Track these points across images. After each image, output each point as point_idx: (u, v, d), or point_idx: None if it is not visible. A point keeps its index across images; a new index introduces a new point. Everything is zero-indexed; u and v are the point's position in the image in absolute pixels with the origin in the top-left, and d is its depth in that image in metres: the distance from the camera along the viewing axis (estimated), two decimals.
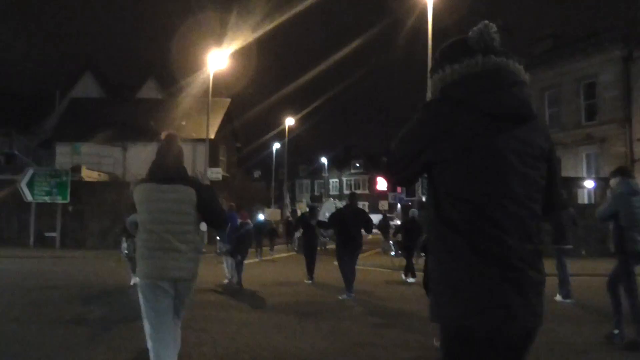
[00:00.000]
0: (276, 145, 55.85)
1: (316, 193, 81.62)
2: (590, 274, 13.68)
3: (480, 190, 1.96)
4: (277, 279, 14.58)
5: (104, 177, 28.25)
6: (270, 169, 59.58)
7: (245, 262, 13.28)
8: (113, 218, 25.18)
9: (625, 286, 6.40)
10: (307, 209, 18.12)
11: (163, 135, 4.47)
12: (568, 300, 9.75)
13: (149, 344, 4.03)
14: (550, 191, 2.13)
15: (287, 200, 56.15)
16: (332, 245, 19.42)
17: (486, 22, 2.13)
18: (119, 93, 35.55)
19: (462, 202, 1.97)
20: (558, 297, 9.86)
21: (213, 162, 29.79)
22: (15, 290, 11.01)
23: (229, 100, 32.63)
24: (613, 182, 6.78)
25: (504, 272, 1.90)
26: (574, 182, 28.40)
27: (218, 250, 14.30)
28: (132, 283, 11.22)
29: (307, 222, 15.10)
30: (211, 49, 27.92)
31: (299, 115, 49.90)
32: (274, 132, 45.45)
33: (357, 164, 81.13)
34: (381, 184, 76.79)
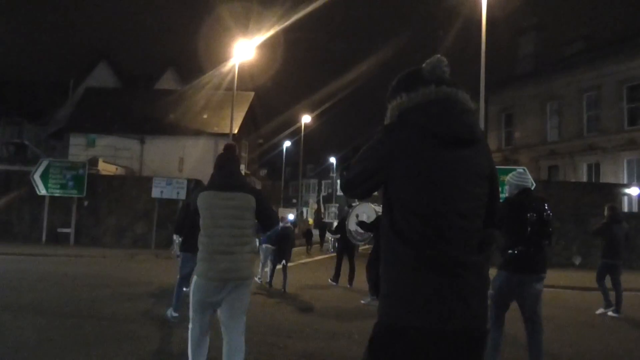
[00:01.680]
0: (287, 144, 54.28)
1: (323, 193, 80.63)
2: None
3: (429, 205, 2.16)
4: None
5: (120, 171, 26.73)
6: (275, 167, 57.93)
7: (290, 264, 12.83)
8: (132, 215, 23.70)
9: None
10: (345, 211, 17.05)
11: (223, 146, 4.79)
12: (617, 314, 9.59)
13: (190, 330, 4.41)
14: (492, 207, 2.37)
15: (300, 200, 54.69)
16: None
17: (439, 56, 2.41)
18: (135, 83, 34.01)
19: (412, 214, 2.17)
20: (610, 313, 9.71)
21: None
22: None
23: (252, 93, 31.08)
24: None
25: (445, 279, 2.10)
26: (617, 189, 26.83)
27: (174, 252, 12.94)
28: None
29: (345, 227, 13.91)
30: (235, 39, 26.35)
31: (314, 113, 48.23)
32: (290, 129, 43.76)
33: None
34: None
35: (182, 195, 22.19)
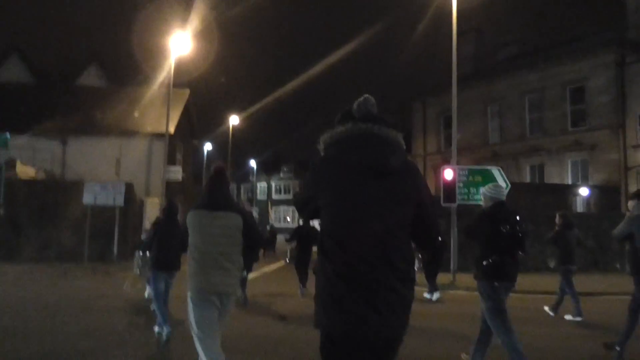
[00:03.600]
0: (207, 146, 51.61)
1: (242, 197, 78.55)
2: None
3: (346, 230, 2.49)
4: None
5: (40, 175, 23.48)
6: (196, 170, 54.75)
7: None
8: (58, 225, 20.69)
9: (633, 302, 6.58)
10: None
11: (213, 167, 5.05)
12: (579, 318, 9.61)
13: (199, 348, 4.53)
14: (423, 227, 2.65)
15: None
16: None
17: (366, 95, 2.76)
18: (52, 80, 30.44)
19: (331, 237, 2.52)
20: (568, 316, 9.74)
21: (170, 160, 25.70)
22: None
23: (187, 91, 28.56)
24: (631, 204, 6.90)
25: (360, 293, 2.41)
26: (568, 190, 26.70)
27: (138, 270, 11.89)
28: (146, 295, 10.76)
29: (304, 233, 13.66)
30: (168, 33, 23.91)
31: (244, 114, 45.90)
32: (216, 130, 41.19)
33: (286, 169, 78.86)
34: None
35: (120, 202, 19.50)
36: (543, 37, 34.48)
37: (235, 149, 45.90)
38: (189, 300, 4.59)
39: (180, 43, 24.04)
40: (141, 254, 10.87)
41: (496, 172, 17.69)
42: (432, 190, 20.98)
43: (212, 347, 4.50)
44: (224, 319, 4.71)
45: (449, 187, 15.48)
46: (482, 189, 6.20)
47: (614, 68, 27.45)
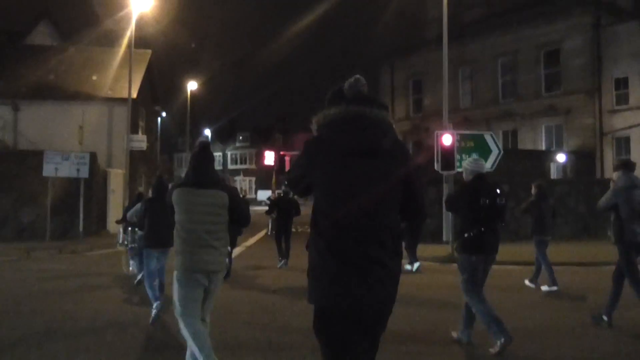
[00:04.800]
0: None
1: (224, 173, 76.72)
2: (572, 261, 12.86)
3: (336, 206, 2.60)
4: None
5: None
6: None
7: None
8: (14, 199, 18.92)
9: (628, 276, 6.66)
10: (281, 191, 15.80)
11: (197, 143, 4.96)
12: (554, 288, 9.52)
13: (181, 325, 4.53)
14: (411, 204, 2.78)
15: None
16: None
17: (357, 76, 2.88)
18: None
19: (325, 215, 2.63)
20: (544, 287, 9.64)
21: (133, 128, 23.91)
22: None
23: (149, 52, 26.50)
24: (615, 175, 7.01)
25: (351, 268, 2.54)
26: (545, 156, 26.37)
27: (125, 243, 11.38)
28: (130, 270, 10.84)
29: (284, 204, 13.84)
30: None
31: (200, 80, 43.87)
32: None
33: (242, 137, 77.00)
34: (268, 158, 73.63)
35: (84, 173, 17.85)
36: (503, 1, 33.43)
37: (190, 117, 43.37)
38: (174, 278, 4.61)
39: None
40: (129, 230, 10.55)
41: (488, 137, 16.99)
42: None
43: (193, 324, 4.51)
44: (212, 297, 4.73)
45: (448, 154, 14.58)
46: (463, 163, 6.30)
47: (590, 30, 26.99)
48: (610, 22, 26.89)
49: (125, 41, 24.11)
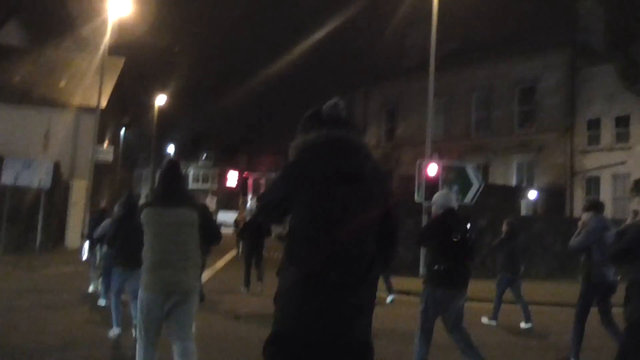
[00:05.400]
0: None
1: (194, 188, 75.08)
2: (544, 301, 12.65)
3: (314, 234, 2.51)
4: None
5: None
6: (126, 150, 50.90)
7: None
8: None
9: (578, 313, 6.80)
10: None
11: (166, 161, 5.20)
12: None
13: (137, 348, 4.49)
14: (387, 233, 2.70)
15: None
16: None
17: (337, 99, 2.80)
18: None
19: (299, 240, 2.55)
20: (522, 324, 9.67)
21: (100, 138, 22.92)
22: None
23: (122, 60, 25.55)
24: (585, 216, 7.05)
25: (324, 298, 2.43)
26: (516, 192, 26.39)
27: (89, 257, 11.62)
28: (90, 290, 10.82)
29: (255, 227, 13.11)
30: None
31: (169, 93, 42.77)
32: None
33: (206, 155, 75.97)
34: (231, 179, 72.74)
35: (47, 184, 16.80)
36: (486, 33, 33.70)
37: (149, 131, 41.90)
38: (138, 299, 4.53)
39: (119, 4, 21.40)
40: (98, 247, 10.49)
41: (470, 169, 16.79)
42: None
43: (146, 349, 4.44)
44: (187, 322, 4.56)
45: (432, 184, 14.26)
46: (433, 197, 6.32)
47: (565, 70, 27.36)
48: (585, 64, 27.30)
49: (98, 47, 23.26)
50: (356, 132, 2.75)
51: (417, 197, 15.44)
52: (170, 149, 68.74)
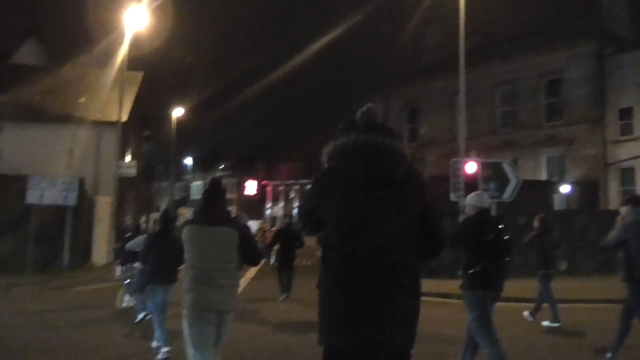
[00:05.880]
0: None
1: (177, 197, 74.87)
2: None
3: (349, 243, 2.45)
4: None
5: None
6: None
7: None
8: None
9: (625, 310, 6.64)
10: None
11: (209, 180, 5.27)
12: (556, 324, 9.32)
13: None
14: (429, 238, 2.62)
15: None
16: None
17: (370, 105, 2.77)
18: None
19: (335, 251, 2.49)
20: (545, 322, 9.42)
21: (122, 153, 22.65)
22: None
23: (141, 74, 25.32)
24: (624, 209, 6.88)
25: (362, 308, 2.39)
26: (548, 187, 25.56)
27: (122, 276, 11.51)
28: (123, 305, 10.88)
29: (287, 236, 13.64)
30: (122, 6, 21.04)
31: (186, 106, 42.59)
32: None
33: (224, 166, 75.82)
34: (250, 188, 72.41)
35: (72, 201, 16.49)
36: (507, 28, 33.02)
37: (165, 144, 41.45)
38: (183, 318, 4.50)
39: (136, 18, 21.18)
40: (128, 264, 10.62)
41: (507, 166, 16.18)
42: None
43: None
44: (223, 338, 4.62)
45: (472, 182, 13.66)
46: (466, 199, 6.27)
47: (593, 60, 26.53)
48: (613, 52, 26.48)
49: (116, 62, 23.04)
50: (389, 135, 2.64)
51: (455, 197, 14.85)
52: (188, 160, 68.82)
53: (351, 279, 2.41)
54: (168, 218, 7.58)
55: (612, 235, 6.89)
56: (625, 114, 25.54)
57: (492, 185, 15.21)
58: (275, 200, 72.03)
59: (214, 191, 4.76)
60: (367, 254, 2.43)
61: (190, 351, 4.44)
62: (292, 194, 69.40)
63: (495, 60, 30.30)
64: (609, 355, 6.58)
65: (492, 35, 35.20)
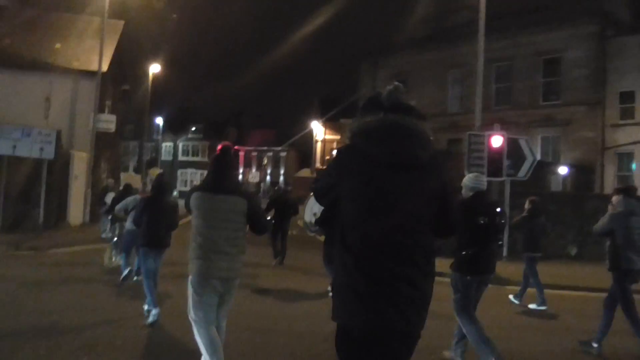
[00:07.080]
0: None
1: (146, 157, 72.76)
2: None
3: (366, 221, 2.43)
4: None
5: None
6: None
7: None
8: None
9: (622, 304, 6.55)
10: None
11: (219, 147, 4.81)
12: (543, 307, 9.36)
13: (195, 332, 4.47)
14: (444, 221, 2.61)
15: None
16: None
17: (397, 83, 2.66)
18: None
19: (354, 230, 2.45)
20: (532, 305, 9.48)
21: (101, 106, 20.88)
22: None
23: (122, 23, 23.28)
24: (615, 199, 6.89)
25: (380, 288, 2.38)
26: (546, 168, 24.86)
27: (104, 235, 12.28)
28: (112, 265, 10.56)
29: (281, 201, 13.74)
30: None
31: (166, 62, 40.60)
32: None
33: (195, 128, 73.76)
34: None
35: (49, 154, 14.86)
36: (506, 4, 31.93)
37: (146, 101, 39.24)
38: (189, 284, 4.49)
39: None
40: (117, 223, 10.72)
41: (523, 142, 15.28)
42: None
43: (207, 331, 4.42)
44: (227, 305, 4.66)
45: (497, 158, 12.62)
46: (463, 179, 6.12)
47: (594, 40, 25.71)
48: (615, 33, 25.71)
49: (93, 7, 21.20)
50: (416, 117, 2.60)
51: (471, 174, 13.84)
52: (159, 120, 66.45)
53: (370, 259, 2.41)
54: (162, 184, 7.46)
55: (600, 224, 6.92)
56: (627, 97, 24.88)
57: (507, 162, 14.27)
58: (247, 167, 70.61)
59: (224, 159, 4.66)
60: (388, 234, 2.43)
61: (192, 316, 4.44)
62: (265, 161, 68.13)
63: (491, 35, 29.20)
64: (594, 345, 6.57)
65: (489, 10, 34.12)
